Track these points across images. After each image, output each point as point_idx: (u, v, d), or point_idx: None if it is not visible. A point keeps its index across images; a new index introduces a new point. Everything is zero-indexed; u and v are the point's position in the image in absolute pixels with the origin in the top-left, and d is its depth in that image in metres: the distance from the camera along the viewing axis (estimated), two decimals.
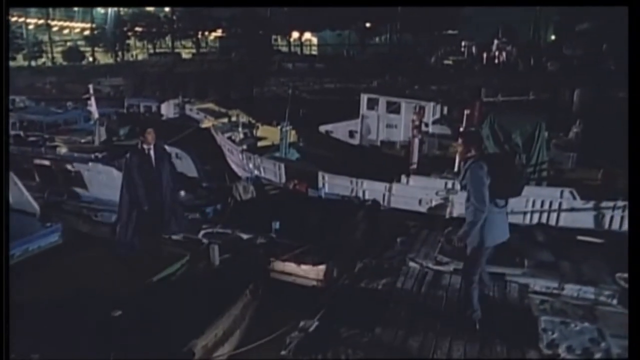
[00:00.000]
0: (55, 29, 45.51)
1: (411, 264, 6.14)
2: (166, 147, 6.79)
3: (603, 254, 6.31)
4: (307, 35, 43.76)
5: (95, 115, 10.61)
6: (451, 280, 5.72)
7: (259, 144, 12.55)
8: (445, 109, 13.10)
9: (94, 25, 43.75)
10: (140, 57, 43.21)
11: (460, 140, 4.66)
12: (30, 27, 44.02)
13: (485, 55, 25.36)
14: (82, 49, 43.56)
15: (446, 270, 5.92)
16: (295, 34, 42.37)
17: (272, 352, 4.58)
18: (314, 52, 43.97)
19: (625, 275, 5.48)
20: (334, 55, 36.90)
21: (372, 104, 13.23)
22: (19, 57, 40.81)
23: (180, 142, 10.09)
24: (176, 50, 42.17)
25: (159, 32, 44.34)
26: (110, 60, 42.05)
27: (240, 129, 13.08)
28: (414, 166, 9.59)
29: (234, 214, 7.66)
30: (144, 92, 25.92)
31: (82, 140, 11.61)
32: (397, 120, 12.89)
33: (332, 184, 9.65)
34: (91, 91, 10.41)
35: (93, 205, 8.41)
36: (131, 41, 45.74)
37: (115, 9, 42.23)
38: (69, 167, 9.39)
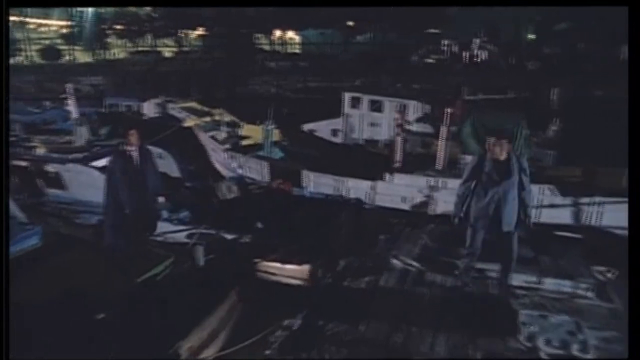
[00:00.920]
0: (31, 26, 44.60)
1: (394, 261, 6.21)
2: (148, 147, 6.74)
3: (581, 249, 6.46)
4: (290, 34, 43.74)
5: (75, 114, 10.44)
6: (434, 277, 5.80)
7: (243, 143, 12.52)
8: (428, 108, 13.23)
9: (72, 23, 42.99)
10: (121, 56, 42.63)
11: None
12: None
13: (466, 54, 25.68)
14: (60, 47, 42.76)
15: (428, 266, 6.00)
16: (278, 33, 42.29)
17: (257, 352, 4.59)
18: (297, 51, 43.96)
19: (602, 268, 5.64)
20: (317, 54, 36.95)
21: (355, 103, 13.30)
22: None
23: (162, 141, 10.00)
24: (158, 49, 41.71)
25: (140, 31, 43.81)
26: (90, 59, 41.38)
27: (223, 128, 13.02)
28: (398, 164, 9.68)
29: (218, 214, 7.64)
30: (125, 91, 25.65)
31: (61, 141, 11.41)
32: (380, 118, 12.98)
33: (316, 183, 9.68)
34: (70, 90, 10.24)
35: (73, 207, 8.29)
36: (111, 39, 45.08)
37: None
38: (47, 168, 9.24)
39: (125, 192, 5.82)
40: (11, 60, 40.08)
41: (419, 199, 9.04)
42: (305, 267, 6.04)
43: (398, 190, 9.14)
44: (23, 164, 9.45)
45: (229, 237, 6.86)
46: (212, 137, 12.42)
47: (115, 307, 4.76)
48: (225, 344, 4.87)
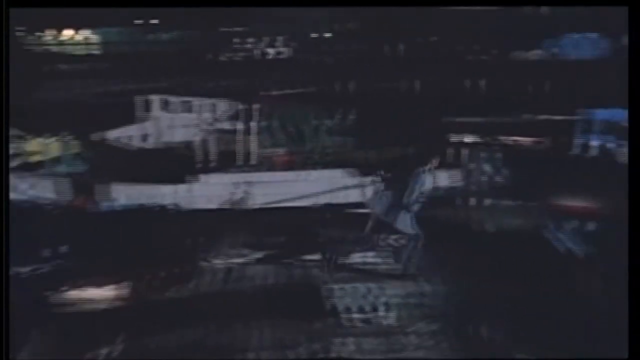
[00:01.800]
0: None
1: (215, 261, 6.24)
2: None
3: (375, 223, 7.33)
4: (86, 32, 39.56)
5: None
6: (255, 271, 6.00)
7: (32, 159, 10.98)
8: (238, 105, 13.42)
9: None
10: None
11: None
12: None
13: (270, 50, 26.61)
14: None
15: (249, 261, 6.18)
16: (69, 32, 37.87)
17: None
18: (96, 52, 40.04)
19: (394, 236, 6.54)
20: (117, 54, 34.22)
21: (163, 105, 12.75)
22: None
23: None
24: None
25: None
26: None
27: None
28: (213, 164, 9.65)
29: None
30: None
31: None
32: (190, 119, 12.70)
33: (128, 194, 9.07)
34: None
35: None
36: None
37: None
38: None
39: None
40: None
41: (237, 195, 9.18)
42: (122, 286, 5.68)
43: (215, 190, 9.13)
44: None
45: (26, 269, 6.03)
46: None
47: None
48: None
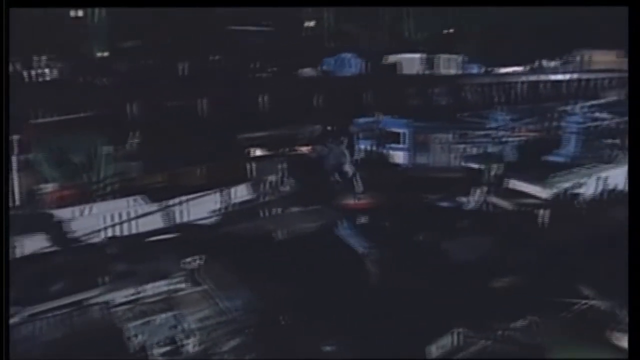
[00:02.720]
0: None
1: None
2: None
3: (174, 247, 7.06)
4: None
5: None
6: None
7: None
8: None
9: None
10: None
11: None
12: None
13: (33, 72, 23.23)
14: None
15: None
16: None
17: None
18: None
19: (190, 258, 6.35)
20: None
21: None
22: None
23: None
24: None
25: None
26: None
27: None
28: None
29: None
30: None
31: None
32: None
33: None
34: None
35: None
36: None
37: None
38: None
39: None
40: None
41: None
42: None
43: None
44: None
45: None
46: None
47: None
48: None
